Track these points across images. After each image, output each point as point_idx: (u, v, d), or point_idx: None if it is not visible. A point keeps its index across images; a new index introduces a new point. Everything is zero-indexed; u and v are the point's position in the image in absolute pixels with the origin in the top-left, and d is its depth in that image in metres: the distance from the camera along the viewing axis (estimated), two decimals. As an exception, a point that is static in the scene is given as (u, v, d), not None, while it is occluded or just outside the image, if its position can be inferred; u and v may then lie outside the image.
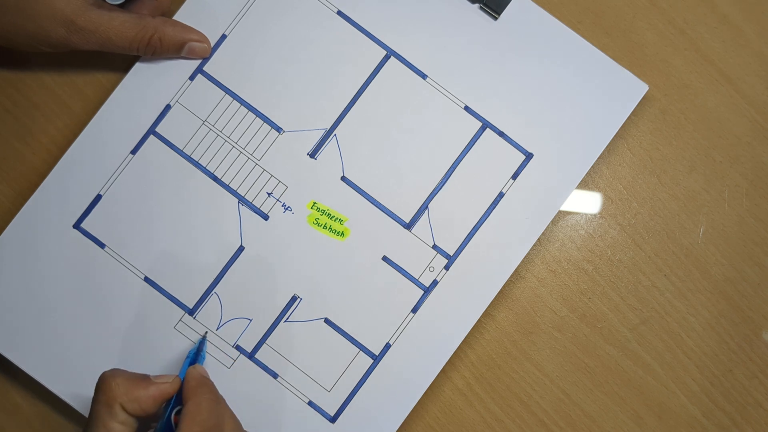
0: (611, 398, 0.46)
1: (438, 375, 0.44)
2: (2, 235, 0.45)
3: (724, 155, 0.47)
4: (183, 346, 0.44)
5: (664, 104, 0.48)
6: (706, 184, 0.47)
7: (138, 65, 0.45)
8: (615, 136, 0.45)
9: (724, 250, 0.47)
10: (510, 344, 0.47)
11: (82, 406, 0.44)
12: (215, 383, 0.40)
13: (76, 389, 0.44)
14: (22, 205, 0.45)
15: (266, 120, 0.45)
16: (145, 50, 0.44)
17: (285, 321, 0.45)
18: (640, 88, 0.45)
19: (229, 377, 0.44)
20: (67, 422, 0.46)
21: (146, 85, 0.45)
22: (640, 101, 0.45)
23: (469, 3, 0.45)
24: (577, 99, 0.45)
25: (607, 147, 0.45)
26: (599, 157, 0.45)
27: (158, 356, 0.44)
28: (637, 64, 0.48)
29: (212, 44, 0.46)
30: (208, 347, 0.44)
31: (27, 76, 0.48)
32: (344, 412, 0.44)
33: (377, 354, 0.44)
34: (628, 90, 0.45)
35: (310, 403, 0.44)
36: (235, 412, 0.40)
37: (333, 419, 0.44)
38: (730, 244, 0.47)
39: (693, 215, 0.47)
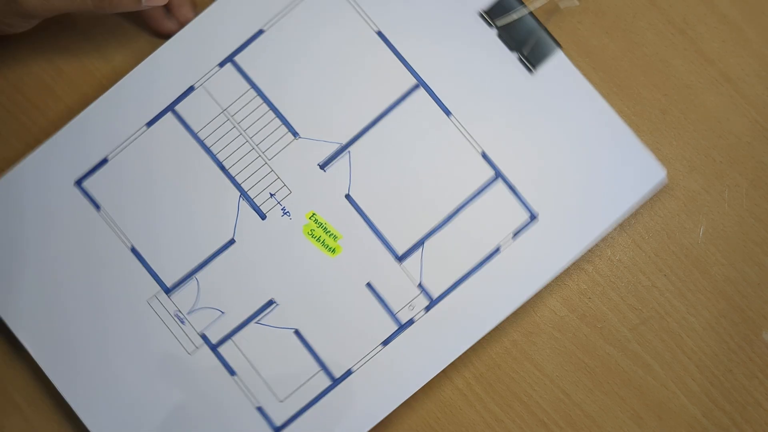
0: (611, 398, 0.46)
1: (438, 375, 0.44)
2: (1, 179, 0.45)
3: (724, 155, 0.47)
4: (150, 321, 0.44)
5: (664, 104, 0.48)
6: (706, 184, 0.47)
7: (174, 40, 0.45)
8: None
9: (724, 250, 0.47)
10: (510, 344, 0.47)
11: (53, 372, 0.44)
12: (172, 365, 0.42)
13: (50, 347, 0.44)
14: None
15: (284, 122, 0.45)
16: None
17: (256, 322, 0.44)
18: (658, 174, 0.44)
19: (187, 363, 0.44)
20: (68, 422, 0.46)
21: (175, 62, 0.45)
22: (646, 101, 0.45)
23: (508, 51, 0.45)
24: (595, 170, 0.44)
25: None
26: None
27: (122, 325, 0.44)
28: (637, 64, 0.48)
29: (248, 36, 0.45)
30: (174, 328, 0.44)
31: (27, 76, 0.48)
32: (290, 425, 0.44)
33: (337, 377, 0.44)
34: (645, 172, 0.44)
35: (259, 409, 0.44)
36: (182, 400, 0.42)
37: (277, 429, 0.44)
38: (730, 244, 0.47)
39: (693, 215, 0.47)
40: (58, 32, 0.48)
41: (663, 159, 0.47)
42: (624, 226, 0.47)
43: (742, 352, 0.46)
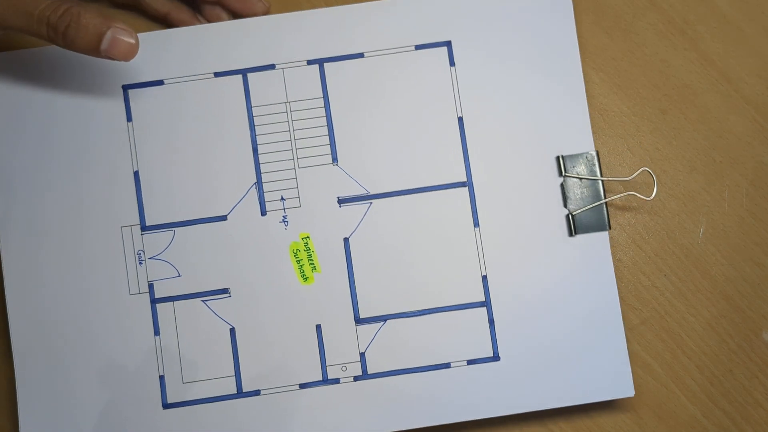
0: (611, 398, 0.46)
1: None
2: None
3: (724, 155, 0.47)
4: (112, 246, 0.44)
5: (664, 104, 0.48)
6: (706, 184, 0.47)
7: (286, 16, 0.45)
8: (615, 135, 0.45)
9: (724, 250, 0.47)
10: (510, 344, 0.47)
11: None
12: (109, 295, 0.44)
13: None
14: None
15: (332, 144, 0.45)
16: (57, 24, 0.40)
17: (202, 300, 0.45)
18: (627, 391, 0.44)
19: (123, 301, 0.44)
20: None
21: (275, 36, 0.45)
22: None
23: (561, 204, 0.44)
24: (574, 353, 0.44)
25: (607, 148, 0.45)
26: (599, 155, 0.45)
27: (89, 235, 0.45)
28: (637, 64, 0.48)
29: (349, 53, 0.45)
30: (130, 263, 0.44)
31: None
32: (178, 408, 0.44)
33: (244, 391, 0.44)
34: (617, 383, 0.43)
35: (161, 378, 0.44)
36: (99, 331, 0.44)
37: (165, 406, 0.44)
38: (730, 244, 0.47)
39: (693, 215, 0.47)
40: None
41: (663, 159, 0.47)
42: (624, 225, 0.47)
43: (742, 352, 0.46)
